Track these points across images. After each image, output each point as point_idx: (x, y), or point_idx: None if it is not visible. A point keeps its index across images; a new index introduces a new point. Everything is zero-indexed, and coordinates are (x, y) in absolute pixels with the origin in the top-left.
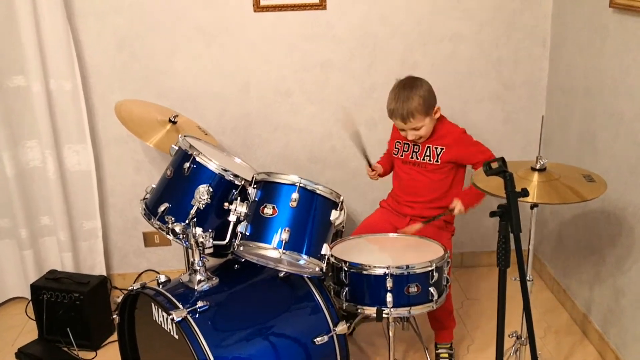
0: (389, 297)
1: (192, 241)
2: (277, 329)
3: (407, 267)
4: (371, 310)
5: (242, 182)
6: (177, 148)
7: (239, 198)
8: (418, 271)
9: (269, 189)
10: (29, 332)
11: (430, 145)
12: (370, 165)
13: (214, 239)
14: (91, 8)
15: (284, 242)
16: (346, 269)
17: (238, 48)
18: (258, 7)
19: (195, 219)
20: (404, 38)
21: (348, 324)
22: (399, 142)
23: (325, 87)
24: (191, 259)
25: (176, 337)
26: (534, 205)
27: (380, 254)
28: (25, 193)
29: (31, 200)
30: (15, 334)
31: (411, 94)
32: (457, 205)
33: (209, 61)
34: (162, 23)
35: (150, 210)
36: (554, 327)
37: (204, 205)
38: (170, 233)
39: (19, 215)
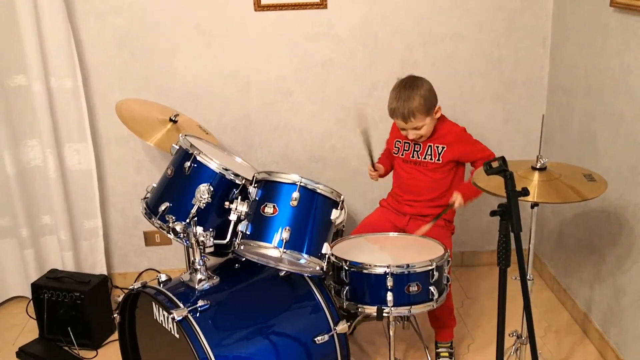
0: (390, 296)
1: (193, 240)
2: (277, 328)
3: (408, 266)
4: (372, 309)
5: (243, 182)
6: (177, 147)
7: (239, 197)
8: (418, 270)
9: (270, 188)
10: (29, 331)
11: (432, 144)
12: (373, 165)
13: (214, 238)
14: (91, 8)
15: (284, 241)
16: (347, 268)
17: (238, 47)
18: (259, 7)
19: (196, 218)
20: (405, 37)
21: (349, 324)
22: (399, 142)
23: (326, 87)
24: (192, 258)
25: (177, 336)
26: (534, 205)
27: (381, 253)
28: (26, 192)
29: (32, 200)
30: (16, 333)
31: (412, 94)
32: (457, 199)
33: (209, 60)
34: (162, 22)
35: (151, 210)
36: (555, 326)
37: (204, 205)
38: (171, 232)
39: (20, 214)
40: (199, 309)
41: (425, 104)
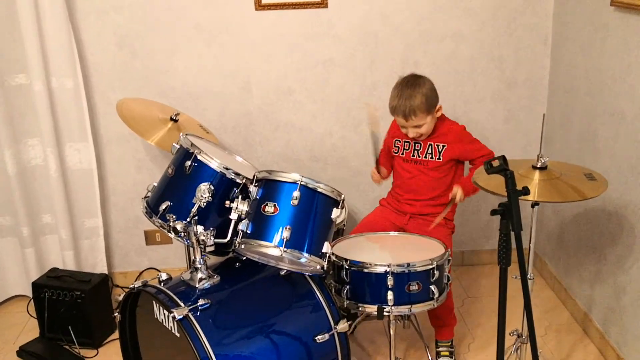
0: (390, 295)
1: (194, 239)
2: (278, 327)
3: (408, 265)
4: (372, 309)
5: (244, 181)
6: (178, 146)
7: (240, 196)
8: (419, 269)
9: (270, 187)
10: (30, 330)
11: (432, 143)
12: (378, 169)
13: (215, 237)
14: (92, 7)
15: (285, 240)
16: (347, 267)
17: (239, 46)
18: (259, 6)
19: (196, 217)
20: (405, 37)
21: (349, 323)
22: (399, 141)
23: (326, 86)
24: (192, 257)
25: (177, 335)
26: (534, 204)
27: (381, 252)
28: (27, 191)
29: (33, 199)
30: (17, 332)
31: (414, 92)
32: (458, 192)
33: (210, 60)
34: (163, 22)
35: (152, 209)
36: (555, 325)
37: (205, 204)
38: (171, 231)
39: (21, 213)
40: (200, 307)
41: (427, 103)
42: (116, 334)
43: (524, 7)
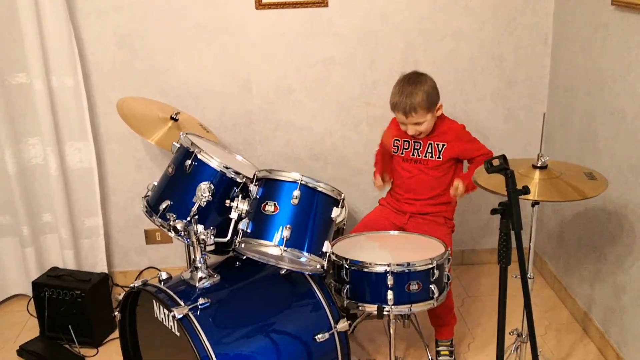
0: (390, 295)
1: (194, 238)
2: (278, 326)
3: (408, 264)
4: (372, 308)
5: (244, 180)
6: (178, 145)
7: (240, 195)
8: (419, 269)
9: (271, 187)
10: (30, 329)
11: (432, 142)
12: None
13: (215, 236)
14: (92, 6)
15: (285, 239)
16: (347, 267)
17: (239, 46)
18: (260, 5)
19: (196, 216)
20: (405, 36)
21: (349, 322)
22: (398, 140)
23: (327, 85)
24: (192, 257)
25: (177, 334)
26: (535, 203)
27: (381, 252)
28: (27, 190)
29: (33, 198)
30: (17, 331)
31: (415, 89)
32: (460, 186)
33: (210, 59)
34: (163, 21)
35: (152, 208)
36: (555, 324)
37: (205, 203)
38: (171, 230)
39: (21, 212)
40: (200, 307)
41: (428, 100)
42: (116, 333)
43: (524, 6)
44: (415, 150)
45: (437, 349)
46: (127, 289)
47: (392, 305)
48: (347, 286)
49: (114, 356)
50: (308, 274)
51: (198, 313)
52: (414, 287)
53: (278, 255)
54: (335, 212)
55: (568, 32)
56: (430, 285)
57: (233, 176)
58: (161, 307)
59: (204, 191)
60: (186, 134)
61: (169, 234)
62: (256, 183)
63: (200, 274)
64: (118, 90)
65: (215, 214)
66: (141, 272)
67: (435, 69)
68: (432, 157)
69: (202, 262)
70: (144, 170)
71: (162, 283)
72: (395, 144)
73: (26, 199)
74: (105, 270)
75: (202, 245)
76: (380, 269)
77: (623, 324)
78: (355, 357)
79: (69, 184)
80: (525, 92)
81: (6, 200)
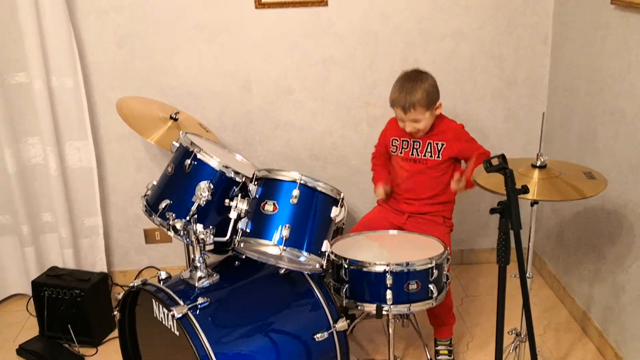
0: (389, 294)
1: (193, 238)
2: (277, 326)
3: (407, 264)
4: (371, 307)
5: (243, 179)
6: (178, 145)
7: (239, 195)
8: (418, 268)
9: (270, 186)
10: (29, 328)
11: (431, 142)
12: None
13: (214, 236)
14: (92, 6)
15: (284, 238)
16: (346, 266)
17: (239, 45)
18: (259, 4)
19: (196, 216)
20: (405, 35)
21: (348, 321)
22: (397, 140)
23: (326, 85)
24: (192, 256)
25: (177, 333)
26: (534, 203)
27: (380, 251)
28: (27, 190)
29: (32, 197)
30: (16, 330)
31: (415, 86)
32: (462, 179)
33: (210, 59)
34: (163, 21)
35: (151, 207)
36: (554, 324)
37: (204, 202)
38: (171, 230)
39: (21, 212)
40: (199, 306)
41: (428, 98)
42: (115, 333)
43: (524, 6)
44: (415, 150)
45: (436, 348)
46: (126, 289)
47: (391, 304)
48: (346, 285)
49: (113, 355)
50: (307, 274)
51: (197, 312)
52: (413, 286)
53: (277, 254)
54: (334, 211)
55: (568, 32)
56: (429, 285)
57: (232, 175)
58: (160, 307)
59: (203, 190)
60: (186, 133)
61: (169, 233)
62: (255, 182)
63: (199, 274)
64: (118, 90)
65: (214, 214)
66: (140, 271)
67: (435, 69)
68: (431, 156)
69: (201, 261)
70: (144, 170)
71: (162, 282)
72: (393, 144)
73: (26, 198)
74: (105, 270)
75: (202, 245)
76: (379, 269)
77: (622, 324)
78: (354, 356)
79: (68, 184)
80: (525, 92)
81: (6, 200)
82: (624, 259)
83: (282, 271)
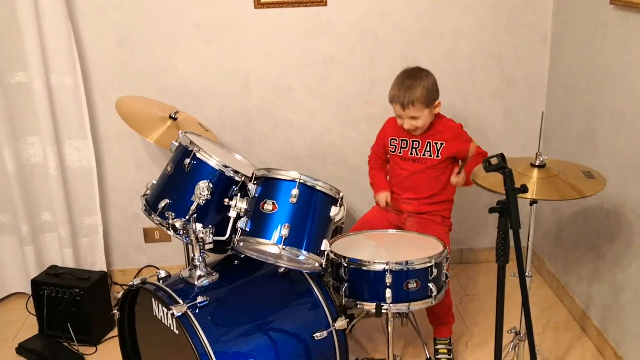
0: (388, 293)
1: (192, 237)
2: (276, 324)
3: (407, 263)
4: (370, 306)
5: (242, 178)
6: (177, 144)
7: (239, 194)
8: (417, 267)
9: (269, 185)
10: (29, 327)
11: (430, 141)
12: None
13: (214, 235)
14: (92, 5)
15: (283, 237)
16: (345, 265)
17: (238, 45)
18: (259, 4)
19: (195, 215)
20: (405, 34)
21: (347, 320)
22: (395, 139)
23: (326, 84)
24: (191, 255)
25: (176, 332)
26: (533, 202)
27: (380, 250)
28: (26, 189)
29: (32, 196)
30: (16, 329)
31: (415, 83)
32: (461, 172)
33: (209, 58)
34: (162, 20)
35: (151, 206)
36: (553, 323)
37: (204, 201)
38: (170, 229)
39: (20, 211)
40: (198, 305)
41: (427, 95)
42: (115, 331)
43: (523, 5)
44: (414, 149)
45: (436, 347)
46: (126, 287)
47: (391, 303)
48: (346, 284)
49: (112, 354)
50: (306, 273)
51: (197, 311)
52: (412, 285)
53: (276, 253)
54: (333, 210)
55: (567, 31)
56: (429, 284)
57: (232, 175)
58: (160, 305)
59: (202, 190)
60: (185, 132)
61: (168, 232)
62: (255, 182)
63: (199, 273)
64: (117, 89)
65: (214, 213)
66: (140, 270)
67: (434, 68)
68: (430, 155)
69: (200, 260)
70: (143, 169)
71: (161, 281)
72: (392, 144)
73: (25, 197)
74: (104, 269)
75: (201, 244)
76: (378, 267)
77: (621, 322)
78: (353, 355)
79: (68, 183)
80: (524, 91)
81: (5, 199)
82: (623, 258)
83: (282, 270)
